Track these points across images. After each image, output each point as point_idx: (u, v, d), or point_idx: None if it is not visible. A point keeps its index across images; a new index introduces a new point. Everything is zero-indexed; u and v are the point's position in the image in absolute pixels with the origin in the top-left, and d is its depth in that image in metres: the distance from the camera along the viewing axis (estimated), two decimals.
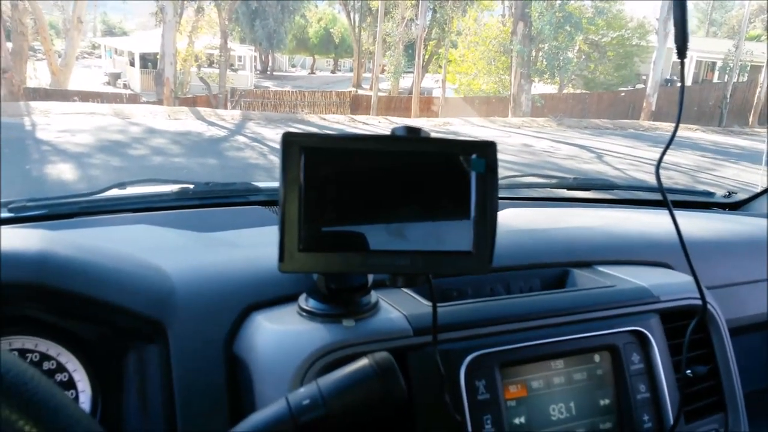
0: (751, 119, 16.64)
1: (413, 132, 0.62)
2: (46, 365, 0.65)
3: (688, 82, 22.14)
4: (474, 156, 0.62)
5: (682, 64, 0.69)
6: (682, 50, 0.69)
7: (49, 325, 0.66)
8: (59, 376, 0.66)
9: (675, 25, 0.68)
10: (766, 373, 1.19)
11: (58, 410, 0.38)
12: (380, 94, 18.05)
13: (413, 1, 19.43)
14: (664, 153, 0.71)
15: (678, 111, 0.72)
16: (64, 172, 6.21)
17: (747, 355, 1.07)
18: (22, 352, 0.64)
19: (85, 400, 0.66)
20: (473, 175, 0.62)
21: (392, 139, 0.62)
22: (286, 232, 0.59)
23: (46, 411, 0.37)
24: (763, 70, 16.96)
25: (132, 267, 0.71)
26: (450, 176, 0.62)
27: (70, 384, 0.66)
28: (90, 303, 0.63)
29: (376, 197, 0.61)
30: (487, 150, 0.62)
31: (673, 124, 0.70)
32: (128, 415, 0.67)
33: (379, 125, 11.66)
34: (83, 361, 0.67)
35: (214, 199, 1.22)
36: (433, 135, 0.63)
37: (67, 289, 0.61)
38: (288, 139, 0.59)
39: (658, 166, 0.72)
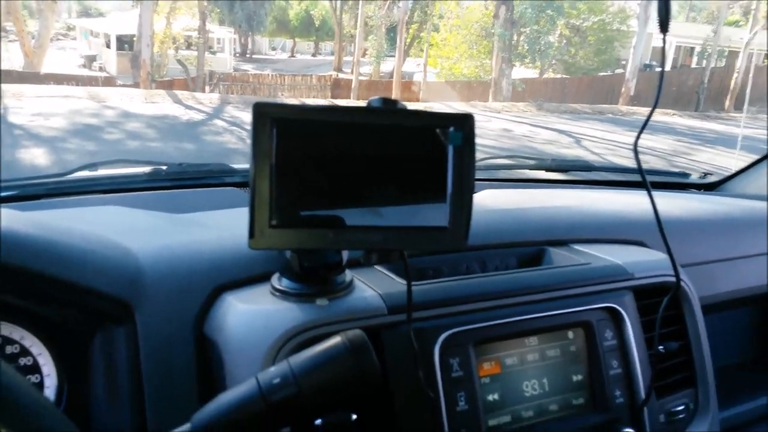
0: (727, 104, 16.86)
1: (390, 103, 0.61)
2: (9, 349, 0.64)
3: (667, 66, 22.34)
4: (451, 129, 0.61)
5: (664, 40, 0.69)
6: (664, 24, 0.68)
7: (12, 307, 0.64)
8: (23, 360, 0.64)
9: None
10: (737, 348, 1.21)
11: (18, 396, 0.36)
12: (361, 77, 17.91)
13: None
14: (641, 131, 0.71)
15: (658, 86, 0.72)
16: (37, 156, 6.09)
17: (720, 332, 1.09)
18: None
19: (50, 384, 0.65)
20: (450, 149, 0.61)
21: (368, 110, 0.60)
22: (256, 207, 0.58)
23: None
24: (740, 55, 17.17)
25: (99, 247, 0.69)
26: (426, 149, 0.61)
27: (35, 368, 0.64)
28: (54, 283, 0.61)
29: (351, 171, 0.60)
30: (464, 123, 0.61)
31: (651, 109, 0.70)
32: (95, 398, 0.65)
33: (371, 98, 11.59)
34: (48, 345, 0.65)
35: (188, 181, 1.20)
36: (410, 108, 0.62)
37: (29, 267, 0.59)
38: (259, 109, 0.57)
39: (635, 145, 0.72)
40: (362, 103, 0.62)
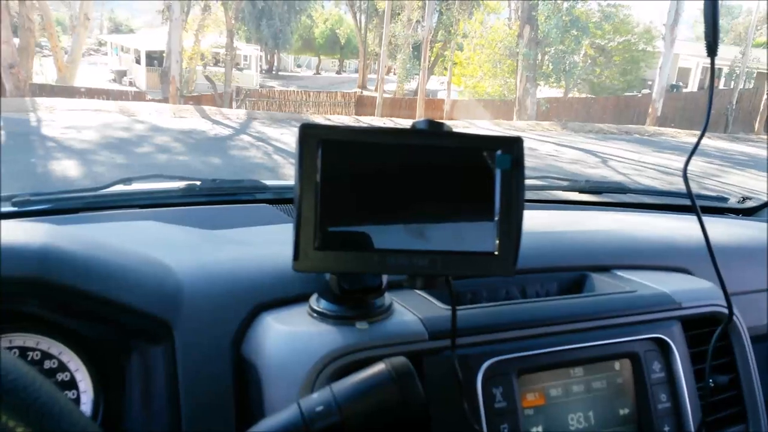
0: (756, 126, 16.58)
1: (435, 126, 0.60)
2: (47, 364, 0.63)
3: (694, 88, 22.12)
4: (499, 152, 0.59)
5: (713, 62, 0.67)
6: (712, 47, 0.66)
7: (50, 322, 0.63)
8: (60, 376, 0.64)
9: (705, 21, 0.66)
10: None
11: (61, 416, 0.35)
12: (385, 95, 18.04)
13: (419, 3, 19.43)
14: (690, 156, 0.69)
15: (707, 111, 0.70)
16: (68, 168, 6.20)
17: (765, 363, 1.04)
18: (23, 350, 0.62)
19: (86, 400, 0.64)
20: (498, 172, 0.59)
21: (413, 132, 0.59)
22: (301, 229, 0.56)
23: (48, 417, 0.35)
24: None
25: (137, 264, 0.68)
26: (473, 173, 0.59)
27: (72, 384, 0.64)
28: (93, 300, 0.60)
29: (396, 194, 0.58)
30: (513, 146, 0.60)
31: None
32: (131, 417, 0.64)
33: (415, 120, 11.69)
34: (85, 361, 0.64)
35: (221, 197, 1.20)
36: (456, 130, 0.61)
37: (69, 284, 0.58)
38: (306, 130, 0.56)
39: (685, 170, 0.70)
40: (405, 123, 0.61)
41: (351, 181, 0.57)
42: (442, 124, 0.60)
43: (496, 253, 0.60)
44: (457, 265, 0.60)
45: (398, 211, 0.59)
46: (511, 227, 0.60)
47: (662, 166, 8.81)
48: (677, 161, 9.02)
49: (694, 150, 0.69)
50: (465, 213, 0.60)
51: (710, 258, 0.69)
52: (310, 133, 0.56)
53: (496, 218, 0.59)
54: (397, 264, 0.59)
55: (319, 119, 12.43)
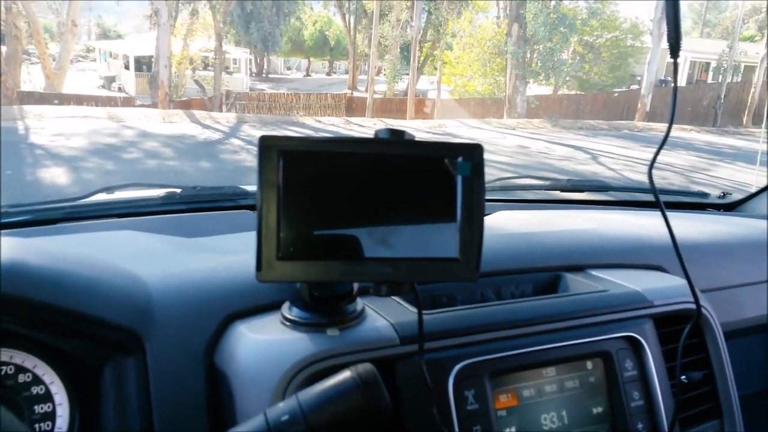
0: (745, 119, 16.69)
1: (397, 135, 0.60)
2: (21, 378, 0.63)
3: (683, 82, 22.25)
4: (460, 159, 0.60)
5: (675, 64, 0.68)
6: (674, 49, 0.67)
7: (24, 336, 0.63)
8: (35, 389, 0.64)
9: (668, 23, 0.67)
10: (762, 376, 1.17)
11: None
12: (376, 96, 18.04)
13: (408, 3, 19.44)
14: (657, 154, 0.69)
15: (671, 111, 0.71)
16: (57, 176, 6.18)
17: (743, 358, 1.05)
18: None
19: (62, 413, 0.64)
20: (459, 179, 0.60)
21: (375, 142, 0.60)
22: (263, 239, 0.57)
23: None
24: (757, 70, 17.03)
25: (107, 276, 0.68)
26: (435, 180, 0.60)
27: (47, 397, 0.64)
28: (63, 314, 0.60)
29: (358, 203, 0.59)
30: (473, 152, 0.60)
31: (668, 125, 0.69)
32: (106, 428, 0.64)
33: (374, 127, 11.59)
34: (60, 374, 0.65)
35: (202, 204, 1.20)
36: (422, 137, 0.61)
37: (37, 299, 0.58)
38: (265, 142, 0.57)
39: (650, 168, 0.71)
40: (370, 133, 0.62)
41: (313, 191, 0.58)
42: (403, 132, 0.61)
43: (459, 258, 0.60)
44: (421, 272, 0.61)
45: (361, 220, 0.59)
46: (473, 233, 0.60)
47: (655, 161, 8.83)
48: (667, 155, 9.06)
49: (658, 150, 0.70)
50: (427, 220, 0.61)
51: (676, 255, 0.70)
52: (269, 145, 0.56)
53: (458, 224, 0.60)
54: (361, 271, 0.59)
55: (310, 121, 12.42)
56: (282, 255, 0.58)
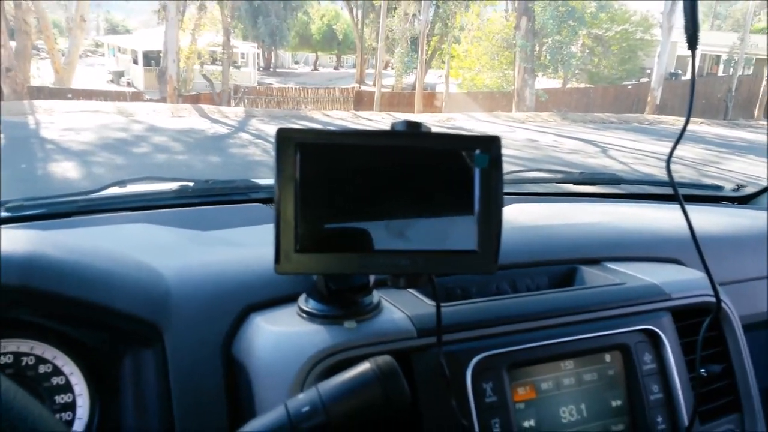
0: (756, 112, 16.54)
1: (413, 127, 0.60)
2: (41, 368, 0.64)
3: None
4: (477, 151, 0.60)
5: (693, 55, 0.67)
6: (692, 40, 0.66)
7: (44, 328, 0.64)
8: (55, 380, 0.64)
9: (685, 14, 0.66)
10: None
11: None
12: (383, 90, 18.00)
13: None
14: (674, 147, 0.69)
15: (689, 104, 0.70)
16: (68, 170, 6.21)
17: (761, 351, 1.05)
18: (17, 356, 0.63)
19: (82, 403, 0.65)
20: (477, 171, 0.60)
21: (392, 134, 0.60)
22: (281, 232, 0.57)
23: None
24: None
25: (126, 268, 0.69)
26: (452, 172, 0.60)
27: (67, 387, 0.64)
28: (81, 306, 0.61)
29: (376, 195, 0.59)
30: (490, 145, 0.60)
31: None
32: (126, 419, 0.65)
33: (383, 121, 11.66)
34: (80, 365, 0.65)
35: (215, 197, 1.20)
36: (435, 130, 0.61)
37: (55, 291, 0.59)
38: (283, 135, 0.56)
39: (668, 160, 0.70)
40: (386, 125, 0.62)
41: (330, 184, 0.58)
42: (420, 124, 0.60)
43: (478, 250, 0.60)
44: (439, 264, 0.60)
45: (378, 212, 0.59)
46: (491, 225, 0.60)
47: (662, 154, 8.74)
48: (679, 149, 8.95)
49: (676, 142, 0.69)
50: (445, 212, 0.60)
51: (695, 248, 0.69)
52: (286, 137, 0.56)
53: (476, 216, 0.60)
54: (378, 264, 0.59)
55: (318, 115, 12.42)
56: (300, 247, 0.58)
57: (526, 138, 10.17)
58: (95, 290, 0.62)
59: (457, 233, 0.60)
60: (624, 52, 21.14)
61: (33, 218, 1.04)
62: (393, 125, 0.61)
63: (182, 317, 0.67)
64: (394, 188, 0.59)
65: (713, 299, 0.74)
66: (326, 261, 0.59)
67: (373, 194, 0.59)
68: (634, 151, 9.29)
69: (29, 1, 13.27)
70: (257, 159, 7.36)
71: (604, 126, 12.62)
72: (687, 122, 0.70)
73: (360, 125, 10.84)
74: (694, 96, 0.69)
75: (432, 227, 0.60)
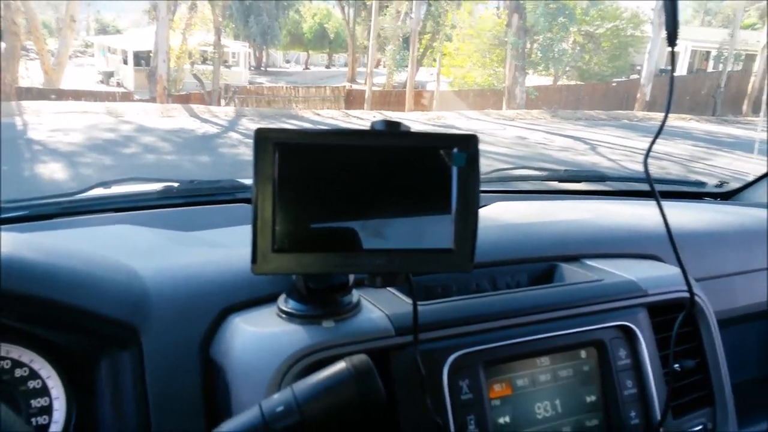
0: (745, 108, 16.64)
1: (392, 126, 0.61)
2: (18, 372, 0.64)
3: (683, 71, 22.15)
4: (455, 150, 0.60)
5: (673, 52, 0.68)
6: (672, 38, 0.67)
7: (21, 331, 0.64)
8: (32, 384, 0.64)
9: (665, 11, 0.67)
10: (756, 363, 1.18)
11: None
12: (375, 88, 17.97)
13: None
14: (652, 143, 0.70)
15: (667, 101, 0.71)
16: (55, 171, 6.17)
17: (738, 346, 1.06)
18: None
19: (59, 407, 0.65)
20: (454, 170, 0.60)
21: (371, 133, 0.60)
22: (259, 232, 0.58)
23: None
24: (758, 58, 16.96)
25: (103, 270, 0.69)
26: (430, 171, 0.60)
27: (44, 391, 0.64)
28: (58, 308, 0.61)
29: (354, 194, 0.59)
30: (468, 143, 0.60)
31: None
32: (103, 421, 0.65)
33: (374, 120, 11.62)
34: (57, 368, 0.65)
35: (200, 197, 1.20)
36: (423, 128, 0.61)
37: (32, 294, 0.59)
38: (261, 134, 0.57)
39: (646, 157, 0.71)
40: (366, 125, 0.62)
41: (308, 183, 0.58)
42: (399, 123, 0.61)
43: (454, 249, 0.61)
44: (416, 263, 0.61)
45: (356, 211, 0.60)
46: (468, 223, 0.61)
47: (651, 151, 8.83)
48: (666, 145, 9.05)
49: (653, 141, 0.70)
50: (422, 211, 0.61)
51: (671, 244, 0.70)
52: (264, 137, 0.57)
53: (453, 215, 0.60)
54: (356, 263, 0.60)
55: (309, 114, 12.40)
56: (277, 247, 0.58)
57: (515, 135, 10.19)
58: (72, 292, 0.62)
59: (434, 232, 0.61)
60: (615, 49, 21.19)
61: (14, 220, 1.03)
62: (372, 124, 0.61)
63: (160, 319, 0.67)
64: (372, 188, 0.60)
65: (688, 295, 0.75)
66: (303, 261, 0.60)
67: (351, 194, 0.59)
68: (623, 148, 9.33)
69: (18, 1, 13.15)
70: (247, 158, 7.25)
71: (594, 123, 12.67)
72: (665, 119, 0.71)
73: (350, 124, 10.83)
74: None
75: (409, 226, 0.61)
